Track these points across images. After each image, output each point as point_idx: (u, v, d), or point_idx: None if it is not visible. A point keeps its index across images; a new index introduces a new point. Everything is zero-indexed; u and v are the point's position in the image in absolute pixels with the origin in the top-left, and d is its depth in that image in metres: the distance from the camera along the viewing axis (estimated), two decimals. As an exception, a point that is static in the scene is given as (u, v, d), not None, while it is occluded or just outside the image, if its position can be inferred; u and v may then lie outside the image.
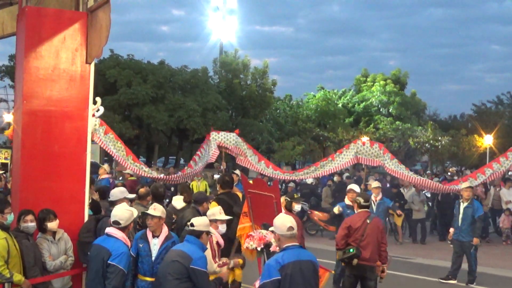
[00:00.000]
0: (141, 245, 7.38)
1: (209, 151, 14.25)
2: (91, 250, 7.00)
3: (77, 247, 8.00)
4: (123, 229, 6.90)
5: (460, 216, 13.25)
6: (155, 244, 7.38)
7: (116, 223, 6.89)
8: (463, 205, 13.33)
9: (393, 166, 14.64)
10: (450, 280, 13.44)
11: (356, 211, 10.16)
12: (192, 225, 7.03)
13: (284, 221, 6.15)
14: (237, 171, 17.24)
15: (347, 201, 11.94)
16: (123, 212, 7.00)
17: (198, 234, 6.96)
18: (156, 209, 7.51)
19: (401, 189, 20.43)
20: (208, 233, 7.12)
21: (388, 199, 14.51)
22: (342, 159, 14.84)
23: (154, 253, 7.36)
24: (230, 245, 9.53)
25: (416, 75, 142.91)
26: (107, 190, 16.64)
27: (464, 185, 13.70)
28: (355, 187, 12.25)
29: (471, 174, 15.91)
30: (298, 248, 6.10)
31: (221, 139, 14.49)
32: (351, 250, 9.59)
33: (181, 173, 15.25)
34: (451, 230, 13.65)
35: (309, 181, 23.88)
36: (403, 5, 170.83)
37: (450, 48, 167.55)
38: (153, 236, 7.45)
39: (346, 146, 15.52)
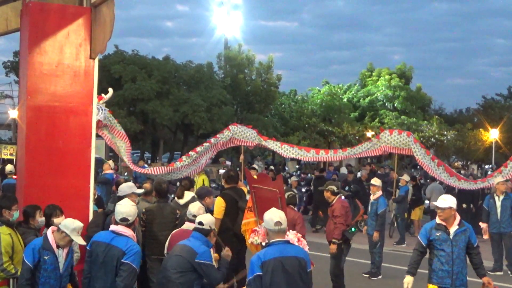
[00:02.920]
0: (46, 257, 6.74)
1: (217, 144, 13.90)
2: (93, 246, 6.85)
3: (85, 241, 7.97)
4: (130, 225, 6.86)
5: (499, 209, 13.69)
6: (60, 255, 6.91)
7: (124, 220, 6.80)
8: (499, 199, 13.78)
9: (421, 156, 14.53)
10: (498, 271, 13.70)
11: (330, 200, 11.17)
12: (201, 223, 7.03)
13: (272, 216, 6.13)
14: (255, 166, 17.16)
15: (438, 220, 8.00)
16: (129, 208, 6.92)
17: (206, 232, 6.99)
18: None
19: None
20: (214, 231, 7.13)
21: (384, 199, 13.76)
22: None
23: (61, 265, 6.91)
24: (236, 239, 9.52)
25: (421, 69, 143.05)
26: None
27: (498, 179, 13.99)
28: (445, 203, 7.87)
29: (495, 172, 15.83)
30: (283, 244, 6.06)
31: (239, 133, 14.19)
32: (354, 229, 10.93)
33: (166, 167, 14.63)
34: (485, 225, 13.85)
35: (358, 174, 23.85)
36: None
37: (455, 42, 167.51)
38: (57, 247, 6.90)
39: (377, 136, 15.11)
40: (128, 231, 6.79)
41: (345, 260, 11.17)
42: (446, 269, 7.84)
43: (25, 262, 6.73)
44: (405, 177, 19.02)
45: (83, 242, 7.00)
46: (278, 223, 6.03)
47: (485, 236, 13.99)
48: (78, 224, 6.84)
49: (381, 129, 14.95)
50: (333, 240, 10.96)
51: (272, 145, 15.02)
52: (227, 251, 7.55)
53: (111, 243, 6.70)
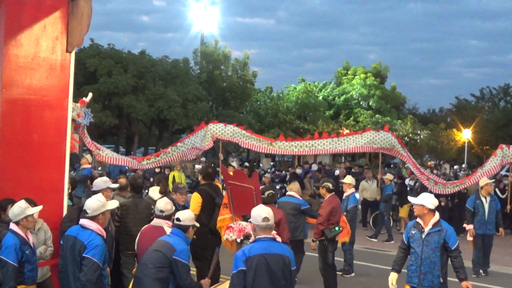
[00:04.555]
0: (27, 252, 6.85)
1: (203, 141, 13.72)
2: (64, 240, 6.91)
3: (59, 236, 7.91)
4: (93, 219, 6.82)
5: (486, 211, 13.56)
6: (33, 244, 7.06)
7: (84, 212, 6.87)
8: (486, 200, 13.67)
9: (406, 154, 14.54)
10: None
11: (325, 197, 11.26)
12: (178, 219, 7.03)
13: (260, 212, 6.16)
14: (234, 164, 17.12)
15: (418, 218, 8.08)
16: (91, 202, 6.91)
17: (184, 228, 6.98)
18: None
19: (365, 181, 20.27)
20: (194, 226, 7.13)
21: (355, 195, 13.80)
22: (357, 141, 14.38)
23: (36, 256, 7.08)
24: (213, 236, 9.52)
25: (395, 69, 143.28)
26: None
27: (485, 180, 13.90)
28: (418, 200, 8.06)
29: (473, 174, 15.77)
30: (269, 241, 6.09)
31: (218, 131, 13.99)
32: (337, 228, 10.86)
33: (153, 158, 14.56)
34: (471, 226, 13.54)
35: (337, 172, 23.95)
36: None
37: (430, 42, 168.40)
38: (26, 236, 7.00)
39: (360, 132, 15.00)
40: (93, 225, 6.78)
41: (333, 257, 11.15)
42: (414, 268, 7.92)
43: (10, 264, 6.70)
44: (389, 176, 19.18)
45: (39, 208, 7.18)
46: (265, 219, 6.07)
47: (470, 238, 13.70)
48: (21, 203, 6.99)
49: (367, 129, 14.83)
50: (312, 238, 11.06)
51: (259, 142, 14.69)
52: (207, 281, 7.57)
53: (77, 237, 6.73)
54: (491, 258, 14.02)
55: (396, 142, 14.26)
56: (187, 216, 7.09)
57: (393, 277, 8.08)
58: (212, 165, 22.51)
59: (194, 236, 7.39)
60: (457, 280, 7.95)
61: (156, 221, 7.84)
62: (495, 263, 14.56)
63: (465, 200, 19.68)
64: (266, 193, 9.92)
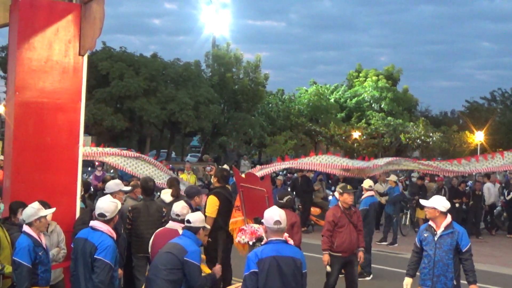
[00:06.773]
0: (40, 253, 6.85)
1: None
2: (75, 243, 6.90)
3: (71, 239, 7.93)
4: (108, 221, 6.81)
5: None
6: (46, 246, 7.09)
7: (101, 216, 6.79)
8: None
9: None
10: None
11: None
12: (188, 221, 7.02)
13: (272, 214, 6.12)
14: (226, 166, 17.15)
15: (430, 221, 8.01)
16: (108, 205, 6.88)
17: (195, 230, 6.98)
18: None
19: (379, 183, 20.14)
20: (204, 228, 7.12)
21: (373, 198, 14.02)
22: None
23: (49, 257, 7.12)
24: (229, 239, 9.49)
25: (407, 71, 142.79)
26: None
27: None
28: (430, 203, 7.98)
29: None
30: (281, 243, 6.06)
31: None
32: None
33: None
34: None
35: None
36: (394, 1, 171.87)
37: (441, 44, 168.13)
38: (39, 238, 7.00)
39: None
40: (103, 226, 6.76)
41: None
42: (427, 271, 7.88)
43: (24, 265, 6.67)
44: (393, 178, 19.07)
45: (52, 210, 7.15)
46: (277, 222, 6.03)
47: None
48: (35, 204, 6.94)
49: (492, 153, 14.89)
50: (362, 248, 10.56)
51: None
52: (219, 269, 7.56)
53: (87, 239, 6.72)
54: (505, 262, 13.86)
55: None
56: (197, 218, 7.08)
57: (407, 282, 8.07)
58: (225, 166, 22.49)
59: (209, 239, 7.37)
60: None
61: (171, 224, 7.84)
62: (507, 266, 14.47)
63: (479, 202, 19.73)
64: (285, 198, 9.77)
